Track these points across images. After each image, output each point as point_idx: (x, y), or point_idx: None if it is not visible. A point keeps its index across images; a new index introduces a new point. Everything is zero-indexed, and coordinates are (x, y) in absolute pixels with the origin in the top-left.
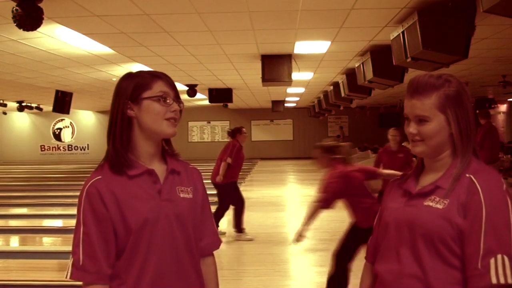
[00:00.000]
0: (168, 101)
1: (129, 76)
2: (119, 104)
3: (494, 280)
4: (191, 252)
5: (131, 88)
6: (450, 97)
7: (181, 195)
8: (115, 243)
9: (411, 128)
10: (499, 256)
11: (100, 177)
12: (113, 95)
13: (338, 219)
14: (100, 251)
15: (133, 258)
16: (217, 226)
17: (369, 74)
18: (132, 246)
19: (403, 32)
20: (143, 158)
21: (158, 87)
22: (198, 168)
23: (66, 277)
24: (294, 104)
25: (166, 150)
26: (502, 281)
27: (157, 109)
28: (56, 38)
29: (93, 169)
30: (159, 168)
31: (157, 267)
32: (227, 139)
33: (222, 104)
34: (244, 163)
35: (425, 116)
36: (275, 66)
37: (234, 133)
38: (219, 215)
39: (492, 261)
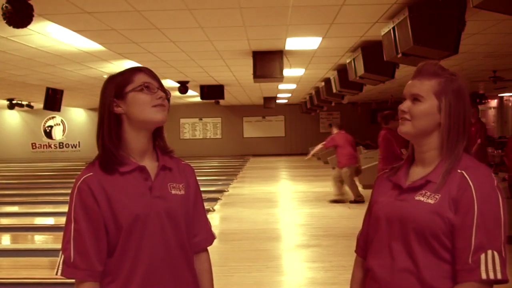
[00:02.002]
0: (151, 88)
1: (111, 78)
2: (105, 104)
3: (484, 276)
4: (184, 249)
5: (114, 88)
6: (449, 87)
7: (173, 192)
8: (106, 240)
9: (403, 106)
10: (489, 252)
11: (91, 173)
12: (99, 99)
13: (329, 215)
14: (91, 248)
15: (124, 255)
16: None
17: (360, 70)
18: (123, 243)
19: (393, 28)
20: (134, 154)
21: (140, 79)
22: (190, 165)
23: (56, 274)
24: (285, 101)
25: (158, 146)
26: (491, 276)
27: (142, 99)
28: (46, 35)
29: (85, 167)
30: (150, 165)
31: (148, 264)
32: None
33: (213, 101)
34: (236, 160)
35: (420, 95)
36: (267, 62)
37: (387, 119)
38: None
39: (482, 256)
